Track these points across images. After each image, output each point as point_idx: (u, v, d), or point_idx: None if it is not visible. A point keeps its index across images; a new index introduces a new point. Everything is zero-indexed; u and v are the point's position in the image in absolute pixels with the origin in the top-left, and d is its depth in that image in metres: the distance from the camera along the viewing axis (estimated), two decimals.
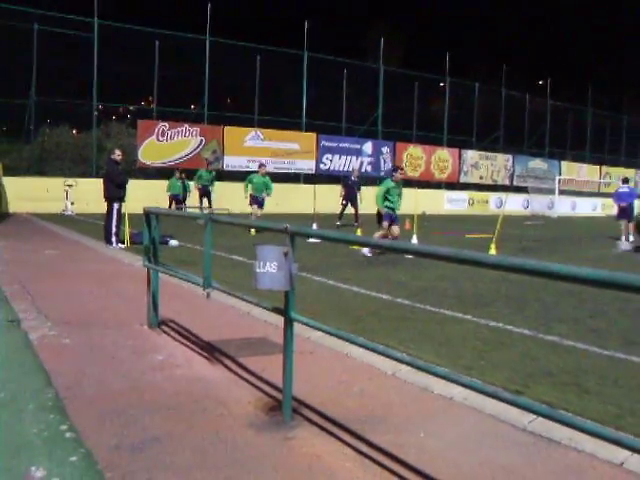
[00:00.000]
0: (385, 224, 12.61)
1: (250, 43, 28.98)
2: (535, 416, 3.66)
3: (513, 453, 3.49)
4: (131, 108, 31.41)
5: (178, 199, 22.37)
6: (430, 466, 3.26)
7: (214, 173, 23.45)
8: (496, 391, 2.91)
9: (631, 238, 18.99)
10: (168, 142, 26.40)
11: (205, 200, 22.12)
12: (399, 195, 12.94)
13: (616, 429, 3.66)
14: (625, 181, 20.96)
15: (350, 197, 20.41)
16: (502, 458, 3.42)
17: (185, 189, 22.87)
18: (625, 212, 19.40)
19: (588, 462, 3.40)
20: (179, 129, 26.74)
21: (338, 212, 20.57)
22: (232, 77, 28.52)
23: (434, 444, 3.57)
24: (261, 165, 19.76)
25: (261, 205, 18.59)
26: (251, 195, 18.57)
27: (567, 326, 6.67)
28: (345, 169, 31.15)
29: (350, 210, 20.55)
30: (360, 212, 19.50)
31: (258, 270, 3.47)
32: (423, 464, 3.28)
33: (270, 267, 3.43)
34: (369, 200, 18.12)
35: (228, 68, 27.71)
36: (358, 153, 31.77)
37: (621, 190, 19.97)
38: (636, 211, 19.63)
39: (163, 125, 26.47)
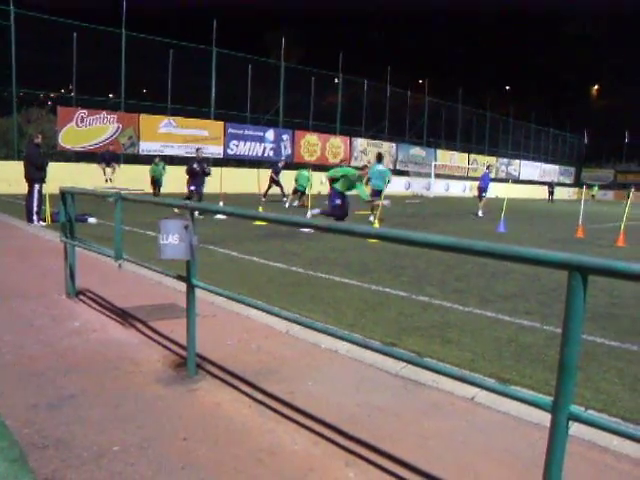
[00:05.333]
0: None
1: (163, 38, 28.11)
2: (406, 363, 3.82)
3: (387, 395, 3.63)
4: (52, 95, 29.64)
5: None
6: (316, 409, 3.34)
7: None
8: (373, 344, 3.01)
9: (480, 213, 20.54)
10: (87, 128, 25.31)
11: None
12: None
13: (470, 371, 3.89)
14: (488, 167, 22.57)
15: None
16: (377, 400, 3.55)
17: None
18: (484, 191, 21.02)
19: (448, 399, 3.59)
20: (97, 116, 25.66)
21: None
22: (147, 69, 27.49)
23: (320, 390, 3.66)
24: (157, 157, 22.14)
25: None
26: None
27: (436, 288, 6.94)
28: (250, 154, 30.94)
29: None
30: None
31: (162, 242, 3.42)
32: (310, 408, 3.36)
33: (172, 239, 3.38)
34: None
35: (143, 61, 26.72)
36: (261, 140, 31.48)
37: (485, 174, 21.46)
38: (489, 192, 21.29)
39: (82, 112, 25.29)
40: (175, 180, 21.53)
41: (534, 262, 1.90)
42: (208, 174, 16.38)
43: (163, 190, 22.41)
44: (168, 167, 25.11)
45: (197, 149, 18.59)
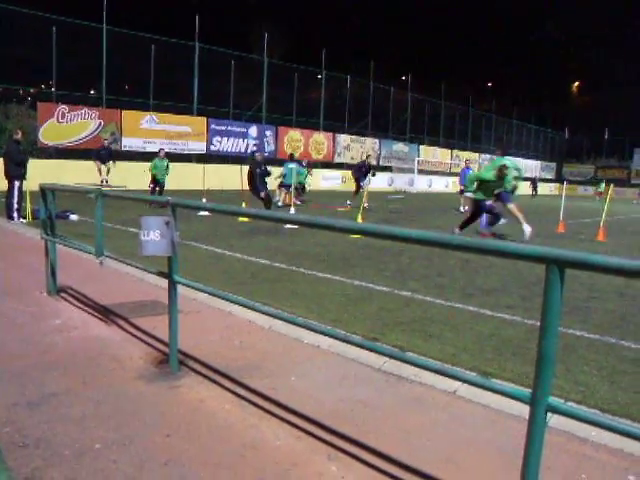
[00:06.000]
0: None
1: (145, 33, 27.84)
2: (388, 358, 3.83)
3: (369, 389, 3.65)
4: (31, 91, 29.22)
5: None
6: (299, 404, 3.35)
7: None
8: (355, 338, 3.02)
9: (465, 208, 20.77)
10: (68, 124, 25.00)
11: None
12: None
13: (452, 365, 3.91)
14: (466, 162, 23.13)
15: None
16: (360, 394, 3.56)
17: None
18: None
19: (430, 392, 3.61)
20: (78, 112, 25.37)
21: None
22: (129, 64, 27.20)
23: (303, 385, 3.66)
24: (160, 149, 19.13)
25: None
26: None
27: (418, 283, 6.98)
28: (233, 150, 30.80)
29: None
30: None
31: (143, 238, 3.39)
32: (293, 403, 3.36)
33: (154, 235, 3.36)
34: None
35: (124, 56, 26.42)
36: (244, 136, 31.36)
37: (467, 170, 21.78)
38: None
39: (63, 108, 24.98)
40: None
41: (512, 256, 1.92)
42: (268, 174, 15.81)
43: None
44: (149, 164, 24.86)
45: (256, 152, 17.78)
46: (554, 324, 1.87)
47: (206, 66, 29.94)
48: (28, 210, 12.14)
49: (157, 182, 17.99)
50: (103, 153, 21.82)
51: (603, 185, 48.31)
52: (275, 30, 41.43)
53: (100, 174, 21.42)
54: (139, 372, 3.78)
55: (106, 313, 5.18)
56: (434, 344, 4.52)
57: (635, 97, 60.13)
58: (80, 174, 21.80)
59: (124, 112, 26.76)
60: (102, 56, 26.40)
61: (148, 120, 27.48)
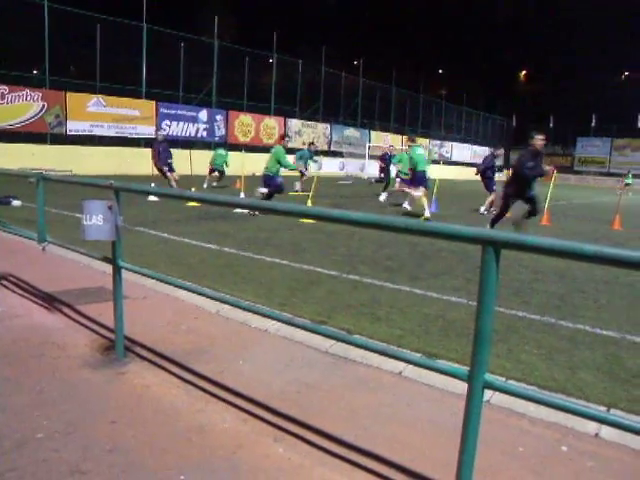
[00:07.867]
0: None
1: (90, 12, 26.89)
2: (335, 341, 3.87)
3: (316, 372, 3.68)
4: None
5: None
6: (246, 387, 3.36)
7: None
8: (300, 321, 3.04)
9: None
10: (8, 105, 24.04)
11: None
12: None
13: (399, 346, 3.99)
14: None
15: None
16: (306, 376, 3.60)
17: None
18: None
19: (375, 374, 3.67)
20: (20, 93, 24.41)
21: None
22: (73, 45, 26.24)
23: (250, 369, 3.67)
24: (283, 137, 15.57)
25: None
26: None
27: (367, 267, 7.05)
28: (182, 134, 30.28)
29: None
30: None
31: (85, 223, 3.31)
32: (240, 386, 3.37)
33: (96, 220, 3.28)
34: None
35: (69, 35, 25.45)
36: (194, 120, 30.89)
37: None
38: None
39: (2, 88, 24.00)
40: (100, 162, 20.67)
41: (450, 237, 1.96)
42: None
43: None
44: (105, 149, 24.09)
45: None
46: (490, 303, 1.93)
47: (155, 48, 29.20)
48: None
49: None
50: (164, 154, 16.27)
51: (631, 177, 44.61)
52: (225, 12, 40.84)
53: (172, 182, 16.22)
54: (84, 359, 3.71)
55: (50, 300, 5.06)
56: (381, 326, 4.58)
57: (577, 87, 61.92)
58: (23, 158, 21.07)
59: (69, 94, 25.88)
60: (44, 35, 25.41)
61: (95, 103, 26.70)
